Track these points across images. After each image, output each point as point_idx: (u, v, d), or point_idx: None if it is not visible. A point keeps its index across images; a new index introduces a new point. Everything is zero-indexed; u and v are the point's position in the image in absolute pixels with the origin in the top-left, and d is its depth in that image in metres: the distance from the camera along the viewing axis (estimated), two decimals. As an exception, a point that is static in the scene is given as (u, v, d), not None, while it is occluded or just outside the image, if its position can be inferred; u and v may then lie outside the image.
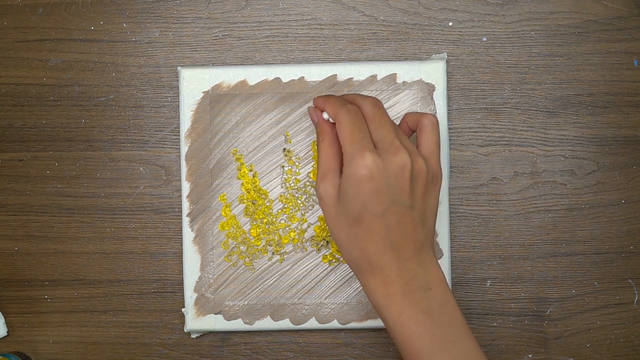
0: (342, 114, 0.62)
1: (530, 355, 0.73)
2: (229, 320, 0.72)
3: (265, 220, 0.72)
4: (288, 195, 0.72)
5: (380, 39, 0.73)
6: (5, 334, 0.74)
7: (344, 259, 0.63)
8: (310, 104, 0.71)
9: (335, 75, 0.72)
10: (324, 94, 0.71)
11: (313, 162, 0.72)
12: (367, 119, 0.63)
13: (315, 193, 0.72)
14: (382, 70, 0.72)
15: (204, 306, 0.72)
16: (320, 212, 0.72)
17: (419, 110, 0.72)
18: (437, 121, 0.64)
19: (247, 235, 0.72)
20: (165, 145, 0.74)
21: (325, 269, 0.72)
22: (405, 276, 0.61)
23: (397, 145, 0.61)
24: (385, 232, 0.60)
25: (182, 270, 0.73)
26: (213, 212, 0.72)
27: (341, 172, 0.62)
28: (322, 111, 0.66)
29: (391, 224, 0.60)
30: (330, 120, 0.65)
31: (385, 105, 0.72)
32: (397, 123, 0.72)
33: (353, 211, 0.61)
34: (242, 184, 0.72)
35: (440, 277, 0.62)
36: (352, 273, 0.72)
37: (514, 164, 0.73)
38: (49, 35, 0.74)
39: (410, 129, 0.66)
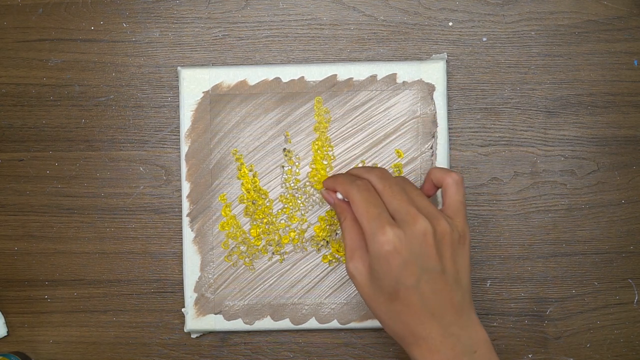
0: (354, 193, 0.62)
1: (530, 355, 0.73)
2: (229, 320, 0.72)
3: (265, 220, 0.72)
4: (288, 195, 0.72)
5: (380, 39, 0.73)
6: (5, 334, 0.74)
7: (387, 331, 0.63)
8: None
9: (335, 75, 0.72)
10: (330, 175, 0.71)
11: (313, 162, 0.72)
12: (379, 192, 0.63)
13: (314, 193, 0.72)
14: (382, 70, 0.72)
15: (204, 306, 0.72)
16: (320, 212, 0.72)
17: (418, 111, 0.72)
18: (462, 179, 0.64)
19: (247, 235, 0.72)
20: (165, 145, 0.74)
21: (325, 269, 0.72)
22: (450, 342, 0.61)
23: (413, 214, 0.61)
24: (422, 302, 0.60)
25: (182, 270, 0.73)
26: (213, 212, 0.72)
27: (367, 247, 0.63)
28: (335, 192, 0.66)
29: (426, 293, 0.60)
30: (345, 199, 0.65)
31: (385, 106, 0.72)
32: (395, 124, 0.72)
33: (387, 287, 0.61)
34: (242, 184, 0.72)
35: (484, 338, 0.62)
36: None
37: (514, 164, 0.73)
38: (49, 35, 0.74)
39: (435, 185, 0.66)
